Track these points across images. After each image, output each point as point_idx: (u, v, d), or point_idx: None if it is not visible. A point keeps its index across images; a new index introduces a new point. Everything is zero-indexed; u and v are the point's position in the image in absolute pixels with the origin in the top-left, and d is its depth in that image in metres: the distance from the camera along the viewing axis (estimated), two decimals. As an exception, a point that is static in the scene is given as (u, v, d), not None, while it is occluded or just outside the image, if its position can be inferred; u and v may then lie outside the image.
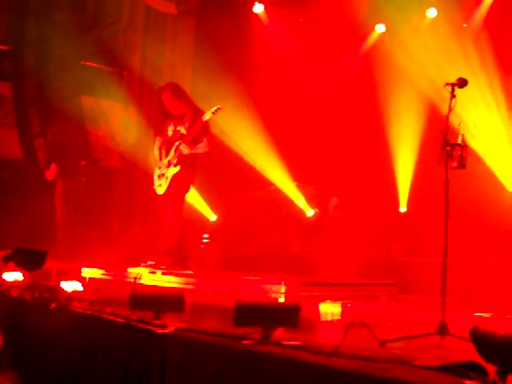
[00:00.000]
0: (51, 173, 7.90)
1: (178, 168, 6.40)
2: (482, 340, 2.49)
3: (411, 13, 8.32)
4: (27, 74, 9.49)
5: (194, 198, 9.19)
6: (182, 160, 6.40)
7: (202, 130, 6.37)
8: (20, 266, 5.89)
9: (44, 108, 9.56)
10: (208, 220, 9.74)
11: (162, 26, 10.58)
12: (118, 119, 10.04)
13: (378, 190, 8.29)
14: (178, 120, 6.55)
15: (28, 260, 5.96)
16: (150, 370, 3.44)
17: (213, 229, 9.75)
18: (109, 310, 4.29)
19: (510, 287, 5.98)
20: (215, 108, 6.25)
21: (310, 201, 9.13)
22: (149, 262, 6.23)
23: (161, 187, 6.50)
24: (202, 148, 6.46)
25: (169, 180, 6.43)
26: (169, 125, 6.60)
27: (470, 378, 2.25)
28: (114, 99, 10.06)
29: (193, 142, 6.41)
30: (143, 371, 3.50)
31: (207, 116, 6.26)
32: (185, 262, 6.37)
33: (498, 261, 6.52)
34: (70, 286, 5.20)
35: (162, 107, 6.60)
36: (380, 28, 9.01)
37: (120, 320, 3.91)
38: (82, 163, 8.43)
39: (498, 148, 7.17)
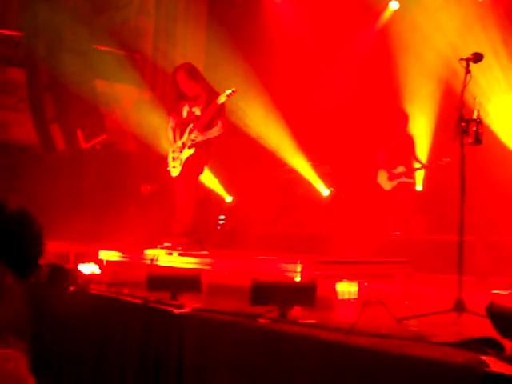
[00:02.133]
0: None
1: (192, 150, 6.40)
2: (498, 315, 2.48)
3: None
4: (40, 60, 9.50)
5: (210, 180, 9.20)
6: (195, 143, 6.40)
7: (216, 113, 6.35)
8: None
9: (58, 93, 9.58)
10: (224, 201, 9.75)
11: (174, 7, 10.53)
12: (131, 102, 10.05)
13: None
14: (193, 101, 6.53)
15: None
16: (168, 350, 3.47)
17: (228, 210, 9.77)
18: (126, 291, 4.33)
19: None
20: (230, 91, 6.21)
21: (326, 180, 9.11)
22: (165, 244, 6.27)
23: (175, 169, 6.51)
24: (216, 131, 6.45)
25: (183, 162, 6.43)
26: (183, 106, 6.58)
27: (487, 354, 2.25)
28: (128, 82, 10.06)
29: (207, 125, 6.39)
30: (161, 351, 3.53)
31: (222, 99, 6.23)
32: (201, 243, 6.40)
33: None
34: (87, 268, 5.25)
35: (177, 88, 6.58)
36: (394, 4, 8.91)
37: (138, 301, 3.94)
38: (97, 147, 8.48)
39: None
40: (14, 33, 9.45)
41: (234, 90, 6.21)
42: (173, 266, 5.42)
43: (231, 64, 8.85)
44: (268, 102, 8.90)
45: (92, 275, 5.16)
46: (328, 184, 9.11)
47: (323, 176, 9.13)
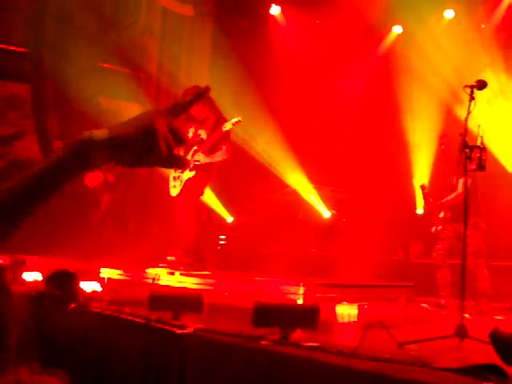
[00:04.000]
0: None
1: (193, 173, 6.44)
2: (501, 342, 2.49)
3: (428, 14, 8.27)
4: (46, 76, 9.57)
5: (212, 200, 9.22)
6: (197, 165, 6.44)
7: (221, 138, 6.40)
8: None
9: (63, 109, 9.63)
10: (225, 221, 9.76)
11: (179, 27, 10.61)
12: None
13: (396, 191, 8.25)
14: (200, 123, 6.58)
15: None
16: (170, 371, 3.46)
17: (230, 230, 9.77)
18: (128, 310, 4.32)
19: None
20: (236, 120, 6.28)
21: (327, 202, 9.13)
22: (168, 259, 6.28)
23: (175, 189, 6.55)
24: (219, 156, 6.49)
25: (183, 183, 6.47)
26: (190, 127, 6.63)
27: (490, 381, 2.25)
28: (132, 100, 10.12)
29: (211, 149, 6.43)
30: (163, 371, 3.52)
31: (227, 126, 6.29)
32: (202, 263, 6.41)
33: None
34: (89, 286, 5.24)
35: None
36: (397, 29, 8.98)
37: (139, 320, 3.94)
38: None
39: None
40: (21, 49, 9.52)
41: (239, 119, 6.28)
42: (174, 286, 5.42)
43: (235, 85, 8.92)
44: (271, 124, 8.94)
45: (93, 293, 5.16)
46: (329, 206, 9.13)
47: (325, 198, 9.15)
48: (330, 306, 4.76)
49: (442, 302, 6.17)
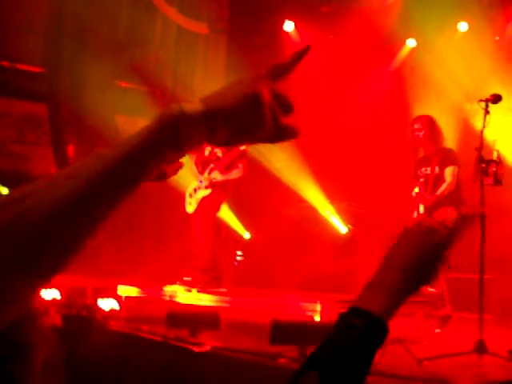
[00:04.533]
0: None
1: (209, 191, 6.48)
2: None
3: (442, 27, 8.26)
4: (63, 95, 9.68)
5: (228, 216, 9.23)
6: (213, 183, 6.47)
7: (238, 156, 6.44)
8: None
9: (80, 128, 9.73)
10: (242, 237, 9.76)
11: (194, 45, 10.70)
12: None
13: (412, 206, 8.21)
14: None
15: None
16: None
17: (247, 246, 9.77)
18: (146, 328, 4.34)
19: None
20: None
21: (344, 217, 9.10)
22: (185, 278, 6.30)
23: (191, 206, 6.59)
24: (236, 174, 6.53)
25: (198, 201, 6.51)
26: (207, 145, 6.67)
27: (511, 398, 2.23)
28: (148, 118, 10.18)
29: (228, 167, 6.47)
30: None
31: (244, 145, 6.33)
32: (219, 280, 6.42)
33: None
34: (106, 304, 5.27)
35: None
36: (411, 43, 8.98)
37: (157, 338, 3.95)
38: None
39: None
40: (38, 69, 9.65)
41: None
42: (192, 303, 5.43)
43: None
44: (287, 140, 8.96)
45: (111, 311, 5.18)
46: (346, 221, 9.10)
47: (341, 213, 9.13)
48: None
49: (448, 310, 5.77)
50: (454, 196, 6.05)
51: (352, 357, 1.02)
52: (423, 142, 6.23)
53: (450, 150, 6.24)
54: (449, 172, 6.04)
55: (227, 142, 0.93)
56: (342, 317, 1.07)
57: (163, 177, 0.97)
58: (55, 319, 4.40)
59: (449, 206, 5.94)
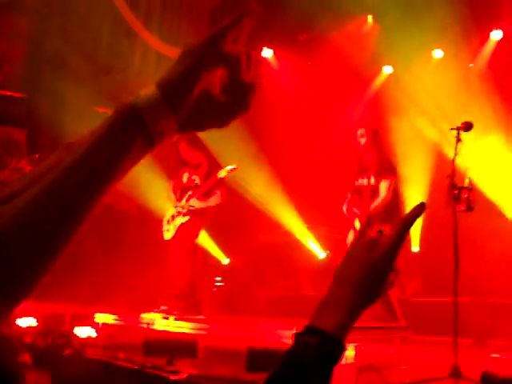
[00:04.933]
0: None
1: (187, 218, 6.49)
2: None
3: (417, 54, 8.39)
4: (42, 121, 9.67)
5: (207, 242, 9.22)
6: (191, 210, 6.48)
7: (216, 183, 6.47)
8: None
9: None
10: (221, 263, 9.75)
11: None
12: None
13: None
14: (194, 169, 6.65)
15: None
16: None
17: (225, 272, 9.75)
18: (122, 356, 4.31)
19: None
20: (231, 167, 6.37)
21: (323, 243, 9.14)
22: (161, 307, 6.26)
23: (168, 232, 6.59)
24: (213, 200, 6.55)
25: (176, 227, 6.51)
26: (184, 172, 6.70)
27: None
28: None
29: (206, 194, 6.49)
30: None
31: (222, 174, 6.37)
32: (197, 307, 6.40)
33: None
34: (83, 331, 5.23)
35: (179, 155, 6.70)
36: (387, 69, 9.10)
37: (134, 366, 3.93)
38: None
39: (507, 190, 7.16)
40: (17, 94, 9.64)
41: (234, 166, 6.36)
42: (169, 331, 5.41)
43: (229, 129, 8.99)
44: (265, 166, 9.01)
45: (88, 338, 5.14)
46: (324, 246, 9.14)
47: (319, 238, 9.16)
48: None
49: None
50: (389, 211, 5.84)
51: (309, 376, 1.02)
52: (364, 149, 6.03)
53: (388, 161, 6.01)
54: (384, 186, 5.80)
55: (195, 123, 0.89)
56: (297, 336, 1.07)
57: None
58: (24, 357, 4.35)
59: (384, 224, 5.69)
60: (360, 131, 6.06)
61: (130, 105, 0.82)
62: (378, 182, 5.83)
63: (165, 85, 0.85)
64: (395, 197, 5.92)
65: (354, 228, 6.01)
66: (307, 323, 1.09)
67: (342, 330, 1.10)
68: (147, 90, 0.85)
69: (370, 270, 1.14)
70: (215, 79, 0.88)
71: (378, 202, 5.81)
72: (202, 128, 0.91)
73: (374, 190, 5.85)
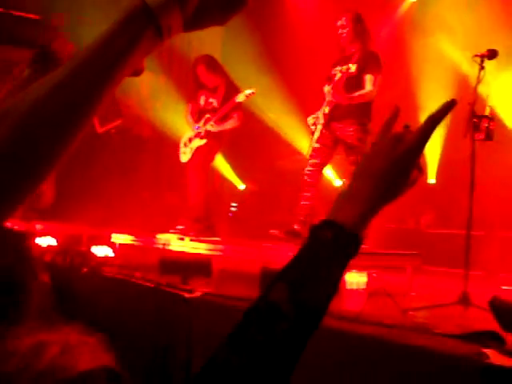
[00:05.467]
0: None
1: (204, 141, 6.49)
2: (501, 310, 2.54)
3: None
4: (60, 39, 9.57)
5: (223, 167, 9.26)
6: (208, 133, 6.48)
7: (233, 107, 6.43)
8: None
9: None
10: (237, 189, 9.81)
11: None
12: (147, 87, 10.11)
13: None
14: (211, 92, 6.61)
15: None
16: (178, 332, 3.55)
17: (241, 197, 9.83)
18: (138, 274, 4.41)
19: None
20: (250, 92, 6.29)
21: (338, 171, 9.13)
22: (177, 228, 6.37)
23: (185, 155, 6.62)
24: (231, 123, 6.53)
25: (193, 150, 6.53)
26: (201, 95, 6.67)
27: (488, 346, 2.31)
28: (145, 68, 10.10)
29: (223, 117, 6.47)
30: (171, 333, 3.62)
31: (240, 98, 6.31)
32: (212, 229, 6.49)
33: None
34: (100, 251, 5.34)
35: (197, 79, 6.66)
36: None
37: (149, 284, 4.02)
38: (112, 132, 8.58)
39: None
40: (35, 16, 9.52)
41: (253, 91, 6.27)
42: (184, 251, 5.51)
43: (248, 51, 8.89)
44: (284, 91, 8.92)
45: (105, 258, 5.26)
46: (341, 175, 9.13)
47: (336, 166, 9.15)
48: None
49: (296, 227, 5.70)
50: (365, 109, 5.59)
51: (322, 269, 1.02)
52: (346, 41, 5.64)
53: (374, 54, 5.62)
54: (370, 80, 5.47)
55: (198, 21, 0.93)
56: (313, 230, 1.06)
57: (138, 72, 0.94)
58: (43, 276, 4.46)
59: (354, 119, 5.50)
60: (340, 22, 5.64)
61: (140, 0, 0.85)
62: (360, 72, 5.47)
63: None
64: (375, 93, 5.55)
65: (323, 112, 5.73)
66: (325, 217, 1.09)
67: (360, 225, 1.09)
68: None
69: (392, 165, 1.11)
70: None
71: (363, 91, 5.45)
72: (205, 25, 0.94)
73: (353, 79, 5.48)
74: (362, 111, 5.56)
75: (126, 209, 8.00)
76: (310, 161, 5.74)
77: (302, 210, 5.67)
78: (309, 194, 5.69)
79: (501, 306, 2.54)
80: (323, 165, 5.82)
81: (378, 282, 4.89)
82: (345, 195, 1.11)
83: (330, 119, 5.63)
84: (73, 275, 4.78)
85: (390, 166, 1.12)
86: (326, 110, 5.69)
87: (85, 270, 4.80)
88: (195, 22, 0.92)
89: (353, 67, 5.50)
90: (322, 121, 5.70)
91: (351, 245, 1.06)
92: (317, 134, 5.69)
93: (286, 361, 1.01)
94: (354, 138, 5.56)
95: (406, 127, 1.15)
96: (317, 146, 5.69)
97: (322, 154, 5.71)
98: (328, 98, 5.69)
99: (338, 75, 5.61)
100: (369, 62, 5.52)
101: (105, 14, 8.96)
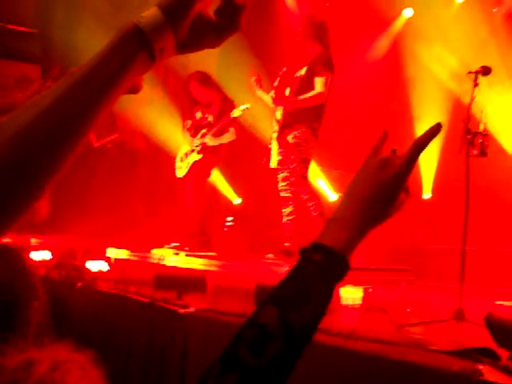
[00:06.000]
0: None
1: (200, 156, 6.51)
2: (495, 325, 2.54)
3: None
4: (55, 58, 9.60)
5: (219, 181, 9.26)
6: (205, 148, 6.50)
7: (229, 122, 6.46)
8: None
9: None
10: (232, 203, 9.80)
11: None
12: (143, 100, 10.14)
13: None
14: (206, 107, 6.64)
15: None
16: (173, 348, 3.54)
17: (237, 212, 9.82)
18: (133, 289, 4.40)
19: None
20: (245, 107, 6.30)
21: (335, 186, 9.14)
22: (172, 244, 6.36)
23: (181, 170, 6.63)
24: (227, 137, 6.56)
25: (189, 165, 6.54)
26: (197, 110, 6.70)
27: (483, 363, 2.31)
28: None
29: (219, 132, 6.49)
30: (166, 349, 3.60)
31: (236, 113, 6.34)
32: (208, 244, 6.49)
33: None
34: (95, 265, 5.33)
35: (190, 95, 6.69)
36: (407, 12, 8.88)
37: (144, 299, 4.01)
38: (108, 146, 8.60)
39: None
40: (30, 30, 9.54)
41: (248, 106, 6.27)
42: (179, 266, 5.50)
43: (244, 68, 8.92)
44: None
45: (100, 272, 5.25)
46: (337, 189, 9.14)
47: (332, 181, 9.16)
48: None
49: (286, 244, 5.64)
50: (315, 112, 5.52)
51: (312, 292, 1.04)
52: (303, 44, 5.60)
53: (324, 56, 5.55)
54: (319, 82, 5.40)
55: (192, 44, 0.95)
56: (302, 252, 1.08)
57: (136, 90, 0.97)
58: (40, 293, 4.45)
59: (303, 123, 5.44)
60: (303, 25, 5.61)
61: (133, 23, 0.87)
62: (310, 74, 5.42)
63: (165, 5, 0.89)
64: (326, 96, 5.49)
65: (276, 119, 5.64)
66: (314, 240, 1.10)
67: (348, 248, 1.10)
68: (149, 11, 0.90)
69: (380, 189, 1.13)
70: (209, 1, 0.93)
71: (308, 94, 5.38)
72: (198, 48, 0.97)
73: (305, 84, 5.43)
74: (311, 115, 5.49)
75: (121, 222, 7.99)
76: (278, 175, 5.70)
77: (287, 227, 5.65)
78: (289, 210, 5.67)
79: (496, 322, 2.55)
80: (294, 174, 5.67)
81: (374, 298, 4.88)
82: (334, 219, 1.13)
83: (283, 126, 5.56)
84: (67, 289, 4.77)
85: (377, 189, 1.13)
86: (278, 115, 5.62)
87: (79, 284, 4.79)
88: (188, 44, 0.94)
89: (303, 70, 5.49)
90: (276, 128, 5.63)
91: (339, 267, 1.08)
92: (275, 146, 5.63)
93: (277, 380, 1.02)
94: (300, 138, 5.50)
95: (394, 151, 1.17)
96: (280, 158, 5.64)
97: (288, 164, 5.62)
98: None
99: (278, 80, 5.64)
100: (318, 64, 5.47)
101: (100, 26, 9.03)
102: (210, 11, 0.95)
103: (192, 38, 0.93)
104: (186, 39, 0.92)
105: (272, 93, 5.67)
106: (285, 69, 5.73)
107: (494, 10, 8.08)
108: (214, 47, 0.98)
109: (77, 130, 0.83)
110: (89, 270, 5.19)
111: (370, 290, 5.02)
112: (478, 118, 3.87)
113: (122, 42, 0.86)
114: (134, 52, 0.86)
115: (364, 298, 4.80)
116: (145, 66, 0.89)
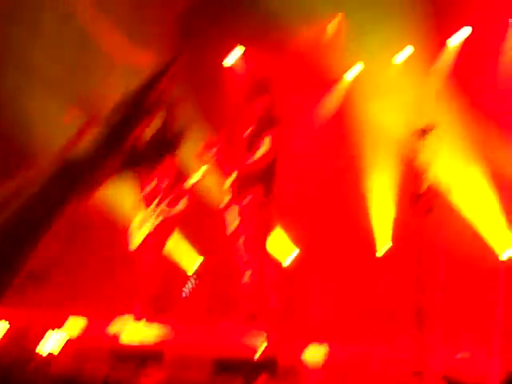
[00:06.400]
0: None
1: (154, 226, 6.46)
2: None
3: (385, 54, 8.30)
4: (5, 128, 9.51)
5: (178, 244, 9.12)
6: (159, 217, 6.46)
7: (183, 191, 6.47)
8: None
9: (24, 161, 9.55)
10: (193, 265, 9.64)
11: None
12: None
13: (355, 238, 8.13)
14: (161, 175, 6.63)
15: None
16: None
17: (197, 273, 9.67)
18: (88, 367, 4.28)
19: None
20: (198, 177, 6.36)
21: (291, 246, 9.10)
22: (129, 315, 6.23)
23: (136, 239, 6.55)
24: (183, 204, 6.54)
25: (145, 234, 6.49)
26: (152, 178, 6.67)
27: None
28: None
29: (174, 200, 6.48)
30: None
31: (189, 184, 6.37)
32: (165, 313, 6.39)
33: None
34: (48, 345, 5.16)
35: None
36: (349, 75, 8.93)
37: (98, 381, 3.91)
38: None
39: (471, 197, 7.12)
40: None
41: (201, 177, 6.34)
42: (136, 340, 5.38)
43: (198, 132, 8.95)
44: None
45: (52, 354, 5.07)
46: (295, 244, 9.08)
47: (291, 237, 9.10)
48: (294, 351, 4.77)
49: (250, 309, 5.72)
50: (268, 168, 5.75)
51: None
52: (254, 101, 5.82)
53: (274, 113, 5.87)
54: (268, 140, 5.66)
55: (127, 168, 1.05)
56: None
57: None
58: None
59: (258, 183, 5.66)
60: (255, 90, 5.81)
61: (68, 157, 0.98)
62: (259, 134, 5.60)
63: (99, 140, 1.02)
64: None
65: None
66: None
67: None
68: (84, 143, 1.02)
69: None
70: (142, 133, 1.06)
71: (259, 154, 5.55)
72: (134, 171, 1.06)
73: (252, 143, 5.60)
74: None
75: (76, 289, 7.82)
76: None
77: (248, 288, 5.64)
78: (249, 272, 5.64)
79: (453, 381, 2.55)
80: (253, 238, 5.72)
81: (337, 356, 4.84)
82: None
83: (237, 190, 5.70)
84: (17, 373, 4.59)
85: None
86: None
87: (31, 366, 4.61)
88: (122, 169, 1.06)
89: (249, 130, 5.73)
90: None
91: None
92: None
93: None
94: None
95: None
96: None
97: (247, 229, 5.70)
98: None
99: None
100: (269, 122, 5.71)
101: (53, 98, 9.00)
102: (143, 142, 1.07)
103: (125, 164, 1.06)
104: (120, 165, 1.04)
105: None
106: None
107: (436, 65, 8.29)
108: (147, 172, 1.09)
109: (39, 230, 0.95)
110: (41, 351, 5.01)
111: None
112: (424, 178, 3.95)
113: (58, 177, 0.96)
114: (70, 187, 0.96)
115: (326, 355, 4.76)
116: (82, 196, 1.00)
